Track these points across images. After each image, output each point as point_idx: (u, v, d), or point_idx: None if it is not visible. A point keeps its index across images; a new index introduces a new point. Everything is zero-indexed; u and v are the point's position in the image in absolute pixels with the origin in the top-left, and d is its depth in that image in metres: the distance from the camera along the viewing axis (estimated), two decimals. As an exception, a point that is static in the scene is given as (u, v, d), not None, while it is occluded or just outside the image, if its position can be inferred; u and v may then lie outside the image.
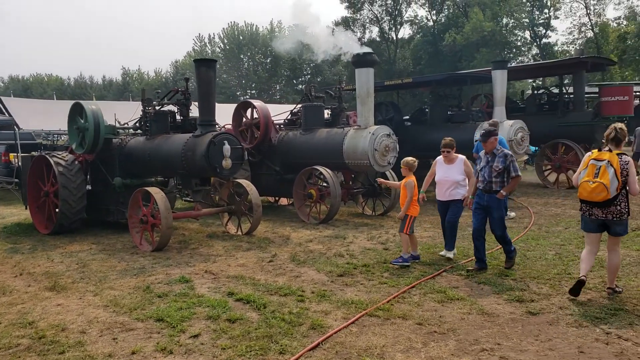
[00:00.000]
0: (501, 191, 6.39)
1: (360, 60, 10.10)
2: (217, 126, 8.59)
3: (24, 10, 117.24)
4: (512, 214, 10.39)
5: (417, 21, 57.53)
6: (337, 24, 58.39)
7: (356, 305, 5.27)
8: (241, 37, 69.33)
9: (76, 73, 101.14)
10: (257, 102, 11.45)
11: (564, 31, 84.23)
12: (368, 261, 7.07)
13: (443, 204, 7.19)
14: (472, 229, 6.72)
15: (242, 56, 71.60)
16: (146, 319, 5.03)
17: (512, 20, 45.05)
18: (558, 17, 48.73)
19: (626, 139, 5.54)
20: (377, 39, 60.07)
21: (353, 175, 11.11)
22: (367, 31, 59.21)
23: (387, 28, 58.98)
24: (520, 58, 45.45)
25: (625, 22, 46.18)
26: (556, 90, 15.67)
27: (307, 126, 11.19)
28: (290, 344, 4.37)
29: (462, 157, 7.09)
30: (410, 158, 7.12)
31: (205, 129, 8.21)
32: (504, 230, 6.57)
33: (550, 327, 4.66)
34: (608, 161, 5.09)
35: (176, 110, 9.53)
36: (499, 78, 12.13)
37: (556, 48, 45.37)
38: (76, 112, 9.46)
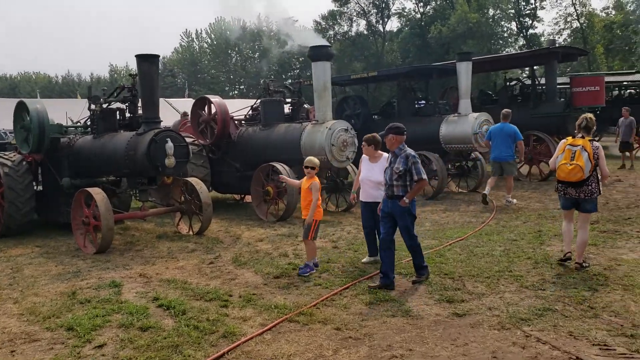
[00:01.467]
0: (404, 198, 5.61)
1: (316, 54, 9.85)
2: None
3: (9, 8, 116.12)
4: (514, 200, 10.17)
5: (405, 13, 57.16)
6: (323, 17, 58.19)
7: (279, 310, 5.05)
8: (228, 32, 68.70)
9: (65, 71, 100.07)
10: (214, 98, 11.18)
11: (550, 22, 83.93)
12: (310, 261, 6.85)
13: (366, 206, 6.58)
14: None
15: (230, 51, 71.09)
16: (56, 328, 4.80)
17: (498, 12, 44.73)
18: (544, 8, 48.26)
19: (595, 127, 6.19)
20: (365, 32, 59.71)
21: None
22: (354, 24, 58.85)
23: (374, 21, 58.61)
24: (507, 49, 45.18)
25: (613, 12, 46.03)
26: (529, 82, 15.46)
27: (266, 121, 10.94)
28: (194, 354, 4.15)
29: (386, 155, 6.28)
30: (314, 157, 6.58)
31: (148, 127, 7.96)
32: (412, 240, 5.81)
33: (471, 330, 4.46)
34: (582, 146, 5.82)
35: (125, 108, 9.25)
36: (464, 70, 11.90)
37: (543, 39, 45.13)
38: (21, 111, 9.19)
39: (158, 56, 8.14)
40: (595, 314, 4.69)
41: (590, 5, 47.82)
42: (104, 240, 7.59)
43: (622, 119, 15.88)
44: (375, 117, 13.82)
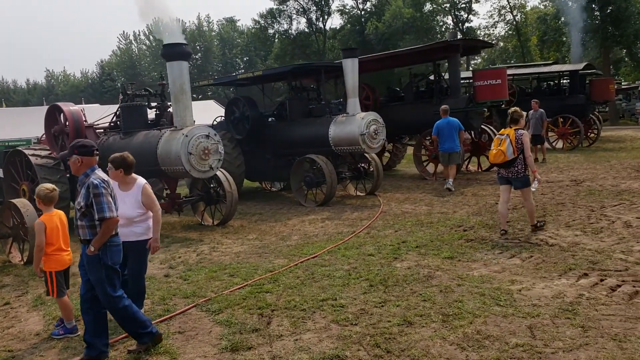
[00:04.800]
0: (90, 245, 4.13)
1: (170, 53, 8.83)
2: None
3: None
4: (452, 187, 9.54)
5: (346, 11, 56.56)
6: (262, 16, 57.01)
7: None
8: (167, 33, 66.55)
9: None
10: (65, 106, 10.00)
11: (485, 15, 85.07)
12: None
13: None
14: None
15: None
16: None
17: (434, 6, 44.66)
18: (479, 1, 48.55)
19: (524, 117, 7.51)
20: (306, 29, 58.89)
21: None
22: (294, 22, 57.90)
23: (314, 18, 57.81)
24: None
25: (550, 4, 46.57)
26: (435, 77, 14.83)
27: (126, 129, 9.86)
28: None
29: (142, 181, 5.01)
30: (46, 187, 4.94)
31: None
32: (112, 302, 4.22)
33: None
34: (507, 135, 7.03)
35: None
36: (350, 67, 11.07)
37: (479, 32, 45.32)
38: None
39: None
40: (389, 360, 3.87)
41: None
42: None
43: (531, 111, 15.47)
44: (271, 119, 12.87)
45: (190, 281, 6.27)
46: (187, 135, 8.65)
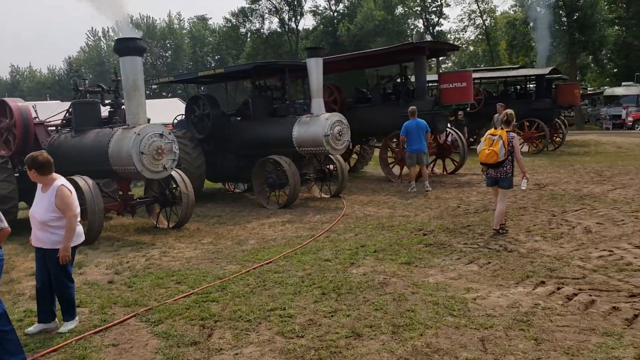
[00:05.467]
0: None
1: (123, 47, 8.41)
2: None
3: None
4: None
5: (319, 11, 56.40)
6: (234, 14, 56.42)
7: None
8: (137, 30, 65.38)
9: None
10: (13, 102, 9.49)
11: (455, 18, 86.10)
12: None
13: (38, 252, 4.71)
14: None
15: (140, 50, 67.56)
16: None
17: (405, 9, 44.86)
18: (449, 5, 48.93)
19: (514, 121, 7.49)
20: (279, 29, 58.55)
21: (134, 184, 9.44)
22: (266, 22, 57.54)
23: (287, 18, 57.48)
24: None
25: (519, 10, 47.19)
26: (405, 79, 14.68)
27: (78, 127, 9.41)
28: None
29: (59, 182, 4.63)
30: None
31: None
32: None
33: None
34: (499, 136, 7.12)
35: None
36: (314, 67, 10.81)
37: (449, 36, 45.71)
38: None
39: None
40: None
41: (492, 2, 48.79)
42: None
43: (496, 115, 15.48)
44: (234, 118, 12.50)
45: (134, 288, 5.91)
46: (139, 134, 8.26)
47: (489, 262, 6.09)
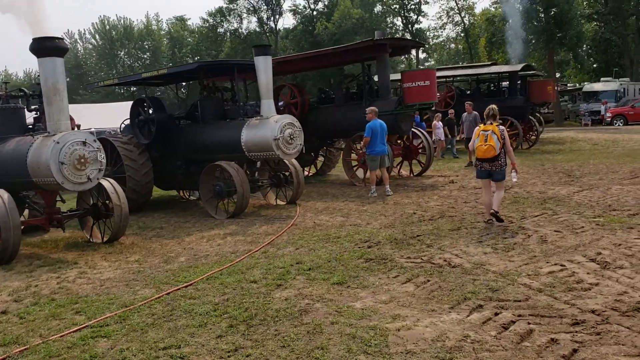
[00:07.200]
0: None
1: (40, 48, 7.66)
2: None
3: None
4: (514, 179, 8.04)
5: (299, 10, 55.73)
6: (211, 14, 55.59)
7: None
8: (113, 32, 64.31)
9: None
10: None
11: (434, 16, 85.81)
12: None
13: None
14: None
15: (117, 52, 66.57)
16: None
17: (384, 7, 44.33)
18: (428, 2, 48.46)
19: (498, 114, 7.80)
20: (257, 29, 57.84)
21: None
22: (244, 21, 56.77)
23: (265, 18, 56.80)
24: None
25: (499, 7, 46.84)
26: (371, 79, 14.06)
27: (-1, 134, 8.65)
28: None
29: None
30: None
31: None
32: None
33: None
34: (492, 130, 7.43)
35: None
36: (263, 65, 10.12)
37: (428, 33, 45.26)
38: None
39: None
40: None
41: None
42: None
43: (465, 114, 14.95)
44: (183, 121, 11.75)
45: (26, 320, 5.19)
46: (58, 142, 7.52)
47: (428, 281, 5.45)
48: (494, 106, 7.78)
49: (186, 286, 5.90)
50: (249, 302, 5.19)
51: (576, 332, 3.98)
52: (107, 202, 8.81)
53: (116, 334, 4.63)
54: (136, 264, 7.17)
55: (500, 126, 7.58)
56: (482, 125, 7.74)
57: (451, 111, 17.91)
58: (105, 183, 8.58)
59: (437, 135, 17.19)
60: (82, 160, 7.73)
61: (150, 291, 5.86)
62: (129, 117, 11.88)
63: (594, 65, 45.21)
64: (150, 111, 11.42)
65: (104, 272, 6.88)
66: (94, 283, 6.38)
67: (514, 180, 7.84)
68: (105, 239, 8.76)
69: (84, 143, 7.81)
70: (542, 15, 34.57)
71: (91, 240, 8.97)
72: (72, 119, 10.63)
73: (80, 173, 7.76)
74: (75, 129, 10.99)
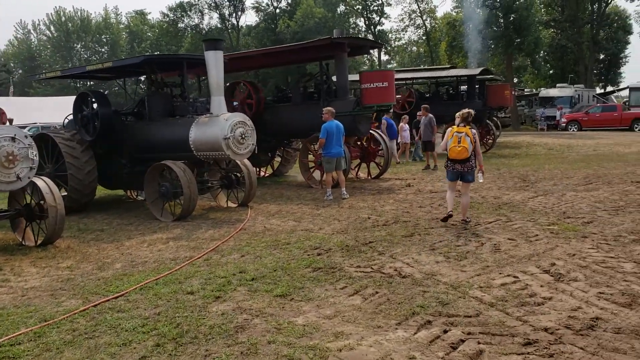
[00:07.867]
0: None
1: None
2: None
3: None
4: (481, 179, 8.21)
5: (262, 8, 55.07)
6: (171, 9, 54.40)
7: None
8: (70, 24, 62.14)
9: None
10: None
11: (396, 18, 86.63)
12: None
13: None
14: None
15: (74, 44, 64.43)
16: None
17: (347, 7, 44.22)
18: (390, 4, 48.65)
19: (470, 117, 7.92)
20: (219, 25, 56.90)
21: None
22: (206, 17, 55.76)
23: (227, 14, 55.93)
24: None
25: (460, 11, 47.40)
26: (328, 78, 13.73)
27: None
28: None
29: None
30: None
31: None
32: None
33: None
34: (465, 133, 7.66)
35: None
36: (213, 61, 9.62)
37: (390, 35, 45.42)
38: None
39: None
40: None
41: (432, 2, 48.85)
42: None
43: (423, 118, 14.81)
44: (130, 118, 11.14)
45: None
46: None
47: (377, 292, 5.15)
48: (471, 110, 8.04)
49: (116, 297, 5.42)
50: (182, 317, 4.76)
51: (528, 353, 3.73)
52: (42, 202, 8.19)
53: (27, 354, 4.14)
54: (67, 271, 6.61)
55: (472, 129, 7.78)
56: (455, 127, 7.86)
57: (405, 117, 17.67)
58: (39, 182, 7.95)
59: (403, 137, 17.05)
60: (11, 157, 7.16)
61: (77, 302, 5.35)
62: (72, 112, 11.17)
63: (550, 72, 46.32)
64: (95, 106, 10.76)
65: (29, 279, 6.31)
66: (15, 293, 5.81)
67: (480, 180, 8.09)
68: (38, 242, 8.13)
69: (13, 139, 7.21)
70: (502, 21, 35.09)
71: (23, 243, 8.32)
72: (2, 113, 9.92)
73: (8, 171, 7.19)
74: (7, 123, 10.33)
